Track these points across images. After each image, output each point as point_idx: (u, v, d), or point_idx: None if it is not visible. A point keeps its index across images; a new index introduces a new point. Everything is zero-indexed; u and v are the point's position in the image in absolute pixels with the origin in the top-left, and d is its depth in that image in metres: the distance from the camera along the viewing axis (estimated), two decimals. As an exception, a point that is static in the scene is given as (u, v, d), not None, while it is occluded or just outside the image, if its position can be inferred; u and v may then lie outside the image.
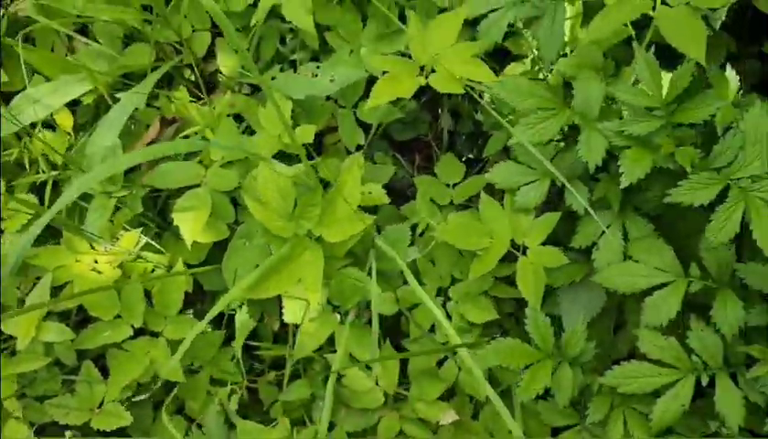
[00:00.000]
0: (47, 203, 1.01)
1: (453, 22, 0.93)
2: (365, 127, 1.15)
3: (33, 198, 0.98)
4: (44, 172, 1.02)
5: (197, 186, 0.98)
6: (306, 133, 1.02)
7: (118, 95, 0.98)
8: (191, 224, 0.94)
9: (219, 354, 1.01)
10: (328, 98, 1.13)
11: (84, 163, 0.94)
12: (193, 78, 1.19)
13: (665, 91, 0.89)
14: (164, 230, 1.09)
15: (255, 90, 1.17)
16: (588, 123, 0.91)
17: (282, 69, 1.09)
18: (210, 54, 1.18)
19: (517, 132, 0.90)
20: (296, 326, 0.98)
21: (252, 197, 0.89)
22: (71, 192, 0.78)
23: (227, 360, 1.01)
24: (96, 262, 0.96)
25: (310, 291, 0.89)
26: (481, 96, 1.21)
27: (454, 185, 1.16)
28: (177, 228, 1.06)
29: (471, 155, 1.30)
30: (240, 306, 1.05)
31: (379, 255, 1.02)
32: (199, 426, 0.98)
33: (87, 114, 1.09)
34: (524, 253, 0.97)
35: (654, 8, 0.88)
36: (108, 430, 0.93)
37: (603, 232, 0.96)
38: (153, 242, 1.00)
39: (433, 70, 0.93)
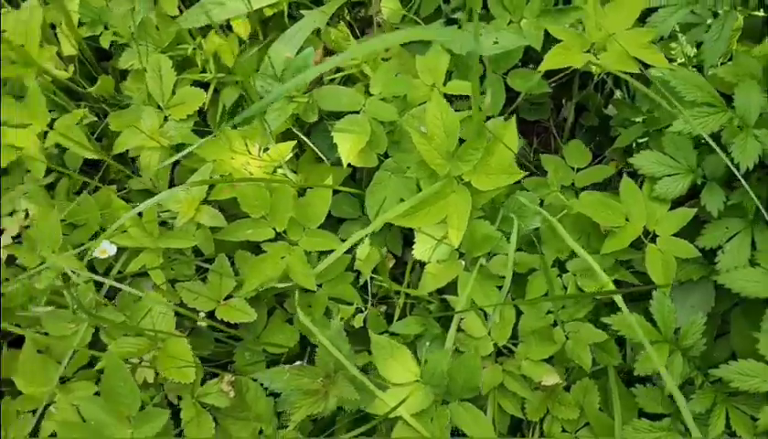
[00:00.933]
0: (208, 101, 1.07)
1: (633, 7, 0.97)
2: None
3: (201, 92, 1.03)
4: (211, 72, 1.07)
5: (356, 112, 1.02)
6: (462, 86, 1.06)
7: (302, 12, 1.03)
8: (349, 146, 0.98)
9: (341, 276, 1.05)
10: (480, 61, 1.17)
11: (260, 69, 0.99)
12: (349, 18, 1.24)
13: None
14: (303, 153, 1.14)
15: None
16: (746, 127, 0.94)
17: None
18: (368, -2, 1.23)
19: (679, 122, 0.93)
20: (420, 265, 1.02)
21: (417, 131, 0.93)
22: (278, 93, 0.83)
23: (346, 284, 1.05)
24: (248, 163, 1.01)
25: (455, 230, 0.93)
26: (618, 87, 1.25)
27: (578, 169, 1.20)
28: (315, 152, 1.11)
29: (589, 148, 1.34)
30: (363, 239, 1.09)
31: (503, 219, 1.06)
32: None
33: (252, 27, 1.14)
34: (652, 241, 1.01)
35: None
36: (231, 322, 0.98)
37: (733, 237, 0.99)
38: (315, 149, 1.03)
39: (603, 50, 0.97)
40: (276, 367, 0.90)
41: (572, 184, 1.18)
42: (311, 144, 1.01)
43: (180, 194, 0.93)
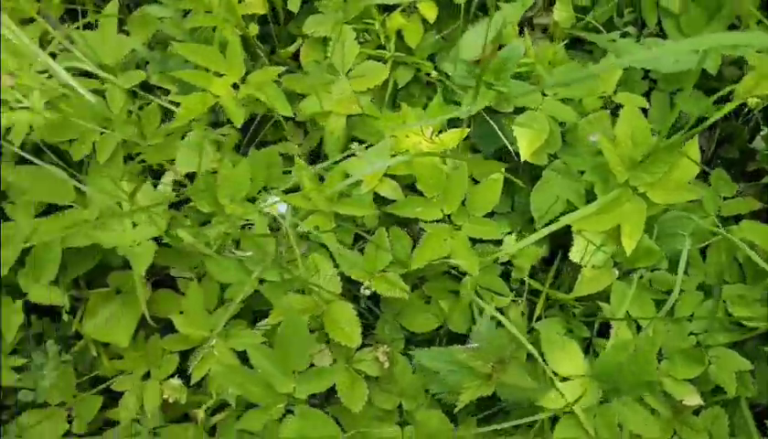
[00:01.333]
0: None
1: (831, 45, 0.97)
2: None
3: (383, 67, 1.05)
4: (390, 51, 1.09)
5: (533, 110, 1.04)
6: (636, 100, 1.07)
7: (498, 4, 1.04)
8: (528, 142, 0.99)
9: (490, 267, 1.06)
10: (644, 77, 1.18)
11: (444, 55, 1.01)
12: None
13: None
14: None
15: (569, 47, 1.23)
16: None
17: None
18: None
19: None
20: (576, 268, 1.03)
21: (606, 136, 0.94)
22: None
23: (493, 275, 1.07)
24: (421, 143, 1.03)
25: (629, 239, 0.94)
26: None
27: (724, 198, 1.20)
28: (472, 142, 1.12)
29: (726, 180, 1.33)
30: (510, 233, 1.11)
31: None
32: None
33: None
34: (810, 278, 1.01)
35: None
36: (385, 295, 0.99)
37: None
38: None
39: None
40: (450, 346, 0.91)
41: (718, 212, 1.19)
42: (501, 135, 1.02)
43: (364, 164, 0.95)
